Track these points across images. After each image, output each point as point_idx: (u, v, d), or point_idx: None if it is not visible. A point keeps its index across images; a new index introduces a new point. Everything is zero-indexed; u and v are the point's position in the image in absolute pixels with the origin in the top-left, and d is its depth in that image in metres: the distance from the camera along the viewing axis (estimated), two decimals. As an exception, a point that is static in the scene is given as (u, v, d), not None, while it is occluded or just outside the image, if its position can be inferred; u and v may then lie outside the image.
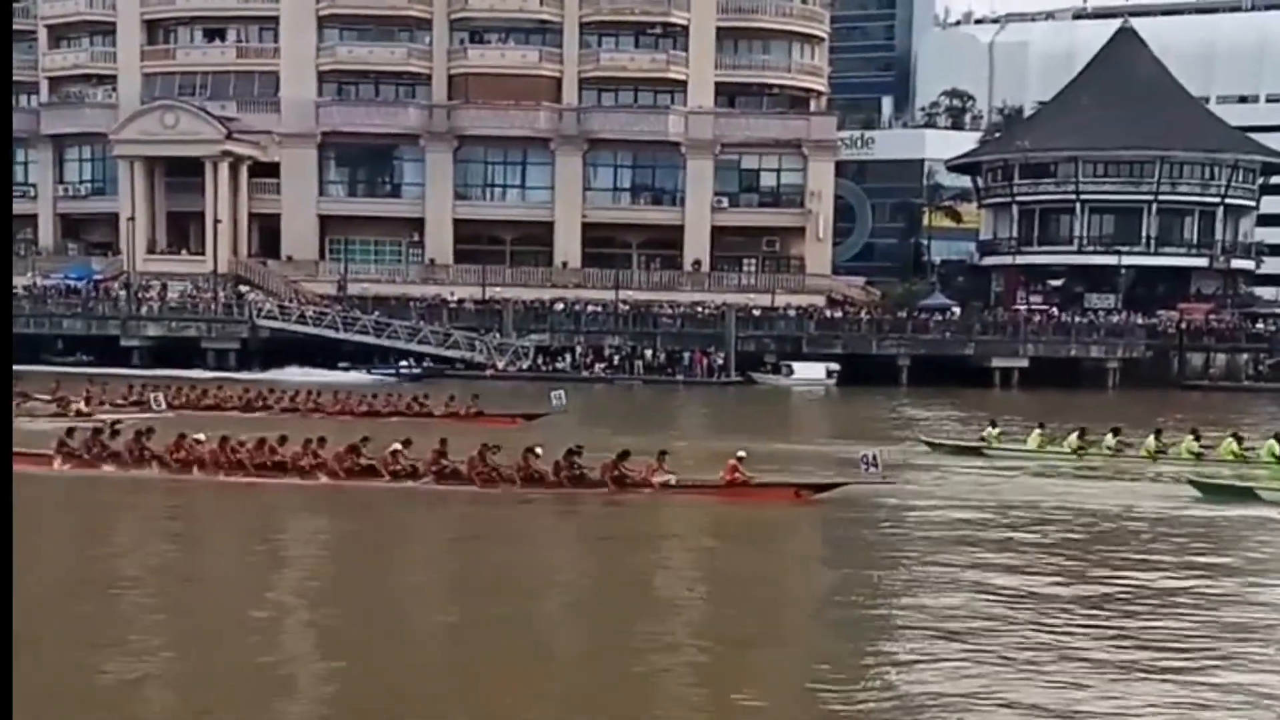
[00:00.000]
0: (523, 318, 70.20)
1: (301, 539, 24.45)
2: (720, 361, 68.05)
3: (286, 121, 77.24)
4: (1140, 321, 74.73)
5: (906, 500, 27.79)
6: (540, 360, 67.26)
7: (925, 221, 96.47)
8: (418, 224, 78.01)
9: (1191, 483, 29.53)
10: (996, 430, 37.09)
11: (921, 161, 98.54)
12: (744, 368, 67.93)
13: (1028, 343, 71.34)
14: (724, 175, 78.62)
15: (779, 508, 26.71)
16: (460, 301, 72.23)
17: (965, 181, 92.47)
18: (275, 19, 78.30)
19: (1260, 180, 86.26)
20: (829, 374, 66.65)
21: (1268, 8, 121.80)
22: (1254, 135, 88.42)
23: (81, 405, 41.02)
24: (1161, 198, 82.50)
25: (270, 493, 27.80)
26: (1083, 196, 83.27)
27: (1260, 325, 76.81)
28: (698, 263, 77.12)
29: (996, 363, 69.71)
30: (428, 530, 25.68)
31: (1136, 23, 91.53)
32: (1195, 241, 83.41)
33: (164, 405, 41.68)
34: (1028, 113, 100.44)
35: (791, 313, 72.30)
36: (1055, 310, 77.61)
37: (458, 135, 77.60)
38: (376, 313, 68.47)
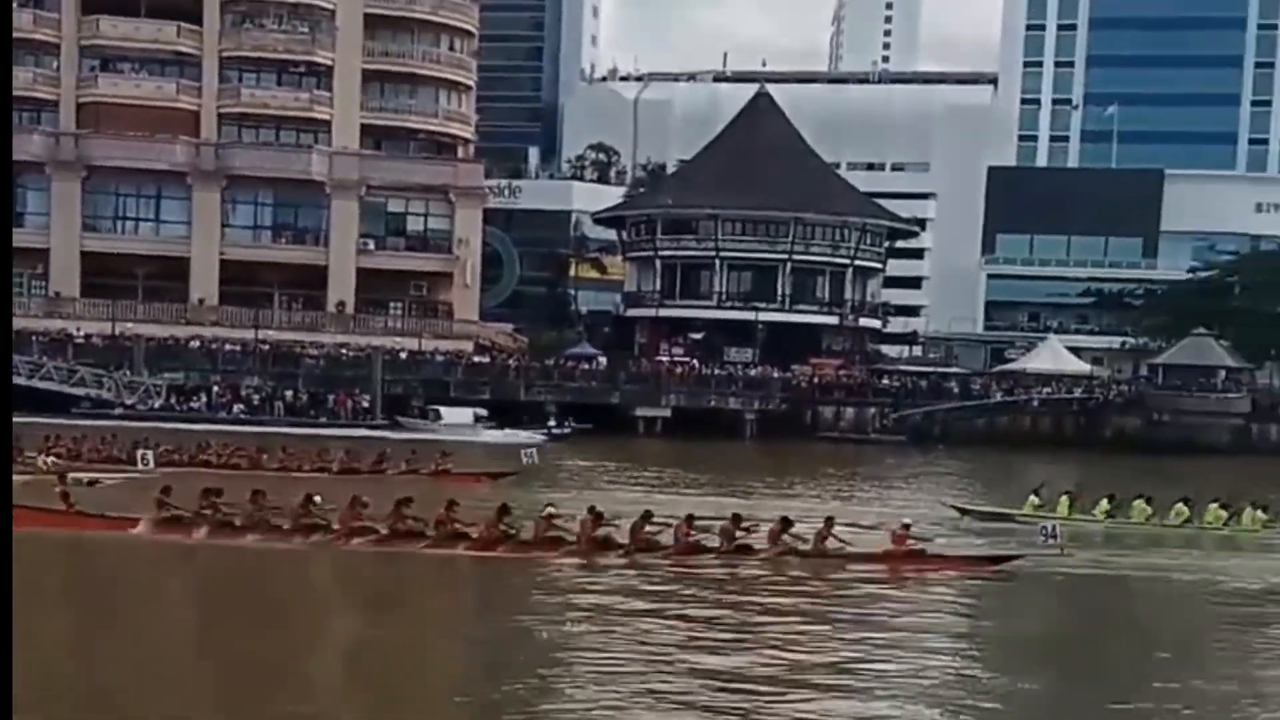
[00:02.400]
0: (155, 355, 67.00)
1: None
2: (365, 404, 66.53)
3: (-109, 143, 71.75)
4: (776, 375, 76.94)
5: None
6: (174, 400, 64.20)
7: (572, 272, 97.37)
8: (41, 255, 73.44)
9: None
10: (1037, 500, 35.70)
11: (569, 213, 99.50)
12: (390, 412, 66.54)
13: (671, 393, 72.69)
14: (370, 217, 77.34)
15: (955, 579, 25.74)
16: (87, 337, 68.44)
17: (611, 234, 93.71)
18: (-119, 33, 72.89)
19: (886, 244, 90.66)
20: (477, 419, 65.99)
21: (892, 81, 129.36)
22: (881, 201, 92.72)
23: (45, 459, 35.87)
24: (796, 257, 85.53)
25: (419, 563, 25.25)
26: (722, 253, 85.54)
27: (886, 381, 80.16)
28: (342, 304, 75.39)
29: (641, 411, 70.86)
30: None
31: (772, 88, 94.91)
32: (827, 300, 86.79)
33: (152, 463, 36.78)
34: (671, 169, 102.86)
35: (439, 357, 71.66)
36: (696, 362, 79.25)
37: (87, 165, 73.84)
38: (-8, 346, 63.88)
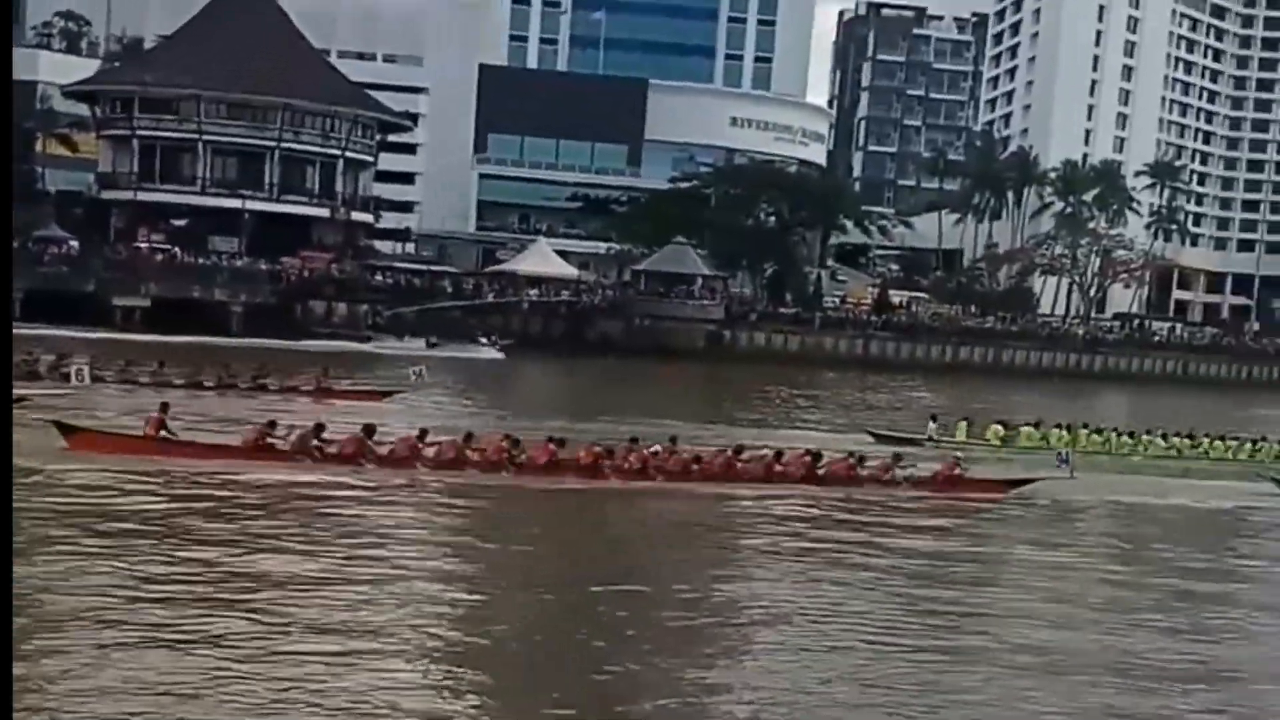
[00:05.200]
0: None
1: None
2: None
3: None
4: (264, 267, 74.20)
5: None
6: None
7: (39, 148, 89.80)
8: None
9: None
10: (936, 425, 38.75)
11: (34, 84, 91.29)
12: None
13: (150, 282, 69.03)
14: None
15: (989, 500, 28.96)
16: None
17: (83, 110, 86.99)
18: None
19: (379, 137, 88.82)
20: (-70, 307, 59.79)
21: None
22: (374, 93, 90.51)
23: None
24: (285, 145, 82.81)
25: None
26: (206, 137, 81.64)
27: (379, 278, 78.99)
28: None
29: (118, 301, 67.08)
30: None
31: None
32: (318, 192, 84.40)
33: (88, 379, 32.94)
34: (150, 45, 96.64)
35: (-121, 237, 64.46)
36: (178, 251, 75.35)
37: None
38: None
